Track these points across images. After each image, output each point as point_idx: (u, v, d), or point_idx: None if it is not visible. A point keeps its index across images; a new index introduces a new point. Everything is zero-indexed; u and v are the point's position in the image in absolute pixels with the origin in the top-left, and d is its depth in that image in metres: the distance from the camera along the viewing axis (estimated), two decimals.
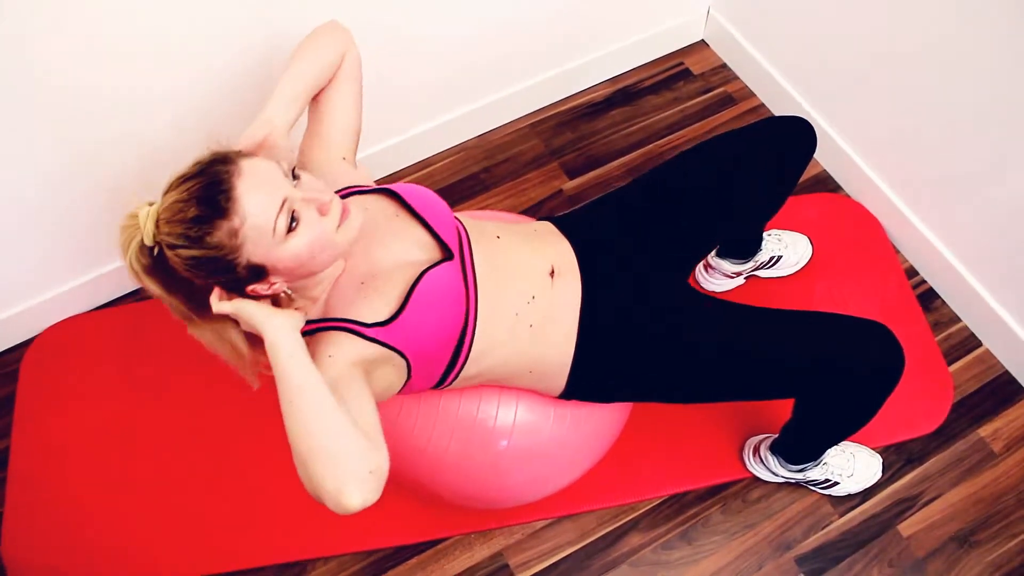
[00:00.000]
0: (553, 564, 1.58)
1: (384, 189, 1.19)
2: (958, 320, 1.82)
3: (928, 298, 1.85)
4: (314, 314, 1.11)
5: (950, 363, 1.77)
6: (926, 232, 1.82)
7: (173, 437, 1.70)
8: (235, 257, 0.97)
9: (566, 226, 1.32)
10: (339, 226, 1.03)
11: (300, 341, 0.98)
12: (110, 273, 1.83)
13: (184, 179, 0.96)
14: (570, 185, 2.03)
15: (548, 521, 1.62)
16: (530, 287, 1.19)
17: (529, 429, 1.29)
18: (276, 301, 1.07)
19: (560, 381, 1.24)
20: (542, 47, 1.99)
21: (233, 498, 1.64)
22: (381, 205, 1.18)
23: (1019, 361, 1.73)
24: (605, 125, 2.13)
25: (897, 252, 1.90)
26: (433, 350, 1.12)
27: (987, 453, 1.67)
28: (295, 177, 1.01)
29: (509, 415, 1.28)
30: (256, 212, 0.95)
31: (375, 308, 1.07)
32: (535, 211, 1.99)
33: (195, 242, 0.95)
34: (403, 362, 1.09)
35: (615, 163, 2.06)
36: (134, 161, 1.62)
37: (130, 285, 1.89)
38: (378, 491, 0.91)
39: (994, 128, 1.55)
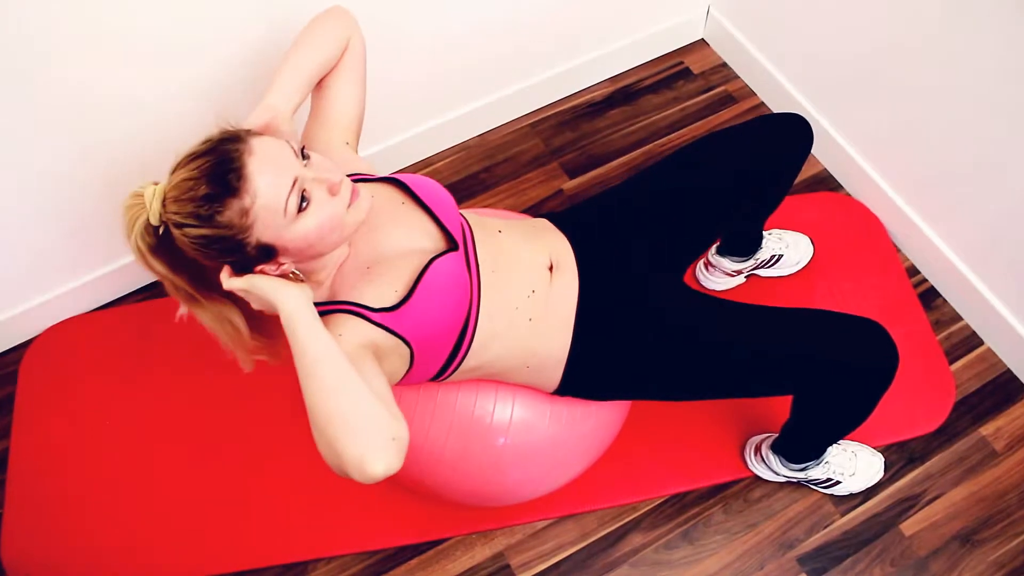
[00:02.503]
0: (554, 564, 1.58)
1: (391, 178, 1.19)
2: (959, 319, 1.82)
3: (929, 297, 1.85)
4: (319, 297, 1.10)
5: (951, 362, 1.77)
6: (927, 231, 1.82)
7: (173, 437, 1.70)
8: (245, 237, 0.96)
9: (563, 222, 1.32)
10: (349, 207, 1.02)
11: (315, 313, 0.97)
12: (110, 274, 1.83)
13: (194, 157, 0.95)
14: (570, 185, 2.03)
15: (549, 521, 1.62)
16: (530, 281, 1.20)
17: (526, 426, 1.29)
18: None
19: (556, 376, 1.24)
20: (542, 46, 1.99)
21: (234, 499, 1.64)
22: (388, 193, 1.17)
23: (1021, 359, 1.73)
24: (605, 124, 2.13)
25: (898, 251, 1.90)
26: (436, 339, 1.11)
27: (989, 452, 1.67)
28: (305, 157, 1.00)
29: (506, 412, 1.28)
30: (267, 191, 0.94)
31: (381, 294, 1.06)
32: (536, 211, 1.99)
33: (205, 221, 0.94)
34: (407, 350, 1.08)
35: (615, 162, 2.06)
36: (136, 160, 1.61)
37: (130, 286, 1.88)
38: (400, 459, 0.90)
39: (995, 126, 1.54)
